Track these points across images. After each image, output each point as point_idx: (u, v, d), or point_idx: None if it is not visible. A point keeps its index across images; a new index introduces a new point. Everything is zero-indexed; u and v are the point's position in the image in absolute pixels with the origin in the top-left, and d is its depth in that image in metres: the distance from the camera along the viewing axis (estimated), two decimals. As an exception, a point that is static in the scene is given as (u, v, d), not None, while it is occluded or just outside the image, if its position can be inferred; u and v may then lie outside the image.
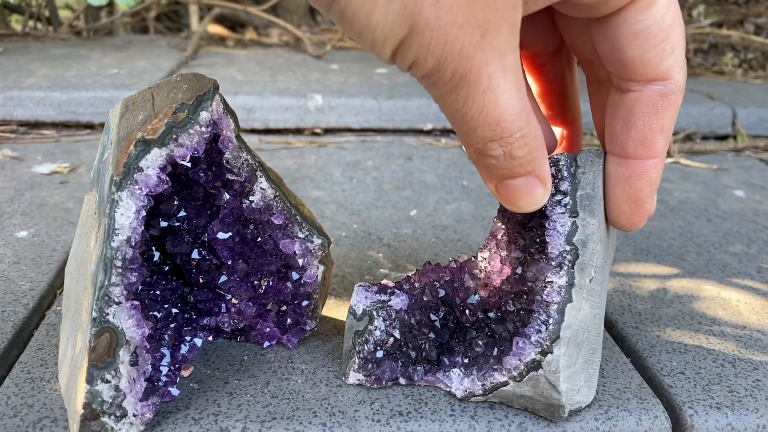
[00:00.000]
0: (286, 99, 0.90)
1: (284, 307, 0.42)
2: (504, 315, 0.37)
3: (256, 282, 0.41)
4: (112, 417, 0.33)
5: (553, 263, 0.35)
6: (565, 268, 0.35)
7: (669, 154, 0.90)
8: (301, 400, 0.37)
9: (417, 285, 0.39)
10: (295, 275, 0.40)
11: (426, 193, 0.71)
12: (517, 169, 0.32)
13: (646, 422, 0.37)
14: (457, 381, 0.37)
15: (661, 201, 0.73)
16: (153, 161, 0.34)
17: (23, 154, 0.78)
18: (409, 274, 0.40)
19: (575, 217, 0.35)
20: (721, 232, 0.65)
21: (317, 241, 0.40)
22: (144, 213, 0.34)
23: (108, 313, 0.33)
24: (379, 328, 0.38)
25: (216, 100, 0.36)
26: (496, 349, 0.37)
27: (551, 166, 0.35)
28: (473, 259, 0.39)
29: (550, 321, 0.34)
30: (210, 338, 0.42)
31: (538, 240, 0.36)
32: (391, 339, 0.38)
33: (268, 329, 0.42)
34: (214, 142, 0.37)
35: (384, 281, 0.40)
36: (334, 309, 0.47)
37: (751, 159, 0.91)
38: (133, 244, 0.34)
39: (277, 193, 0.39)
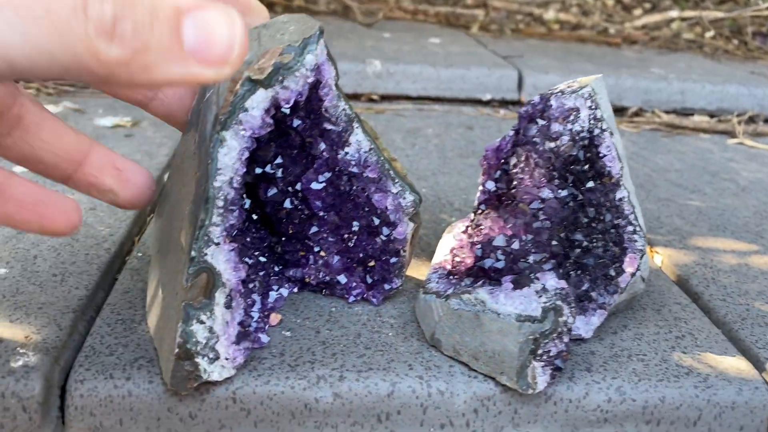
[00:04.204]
0: (344, 64, 0.89)
1: (372, 263, 0.41)
2: (576, 245, 0.38)
3: (346, 235, 0.40)
4: (206, 359, 0.32)
5: (614, 181, 0.37)
6: (622, 181, 0.37)
7: (734, 135, 0.88)
8: (395, 352, 0.37)
9: (516, 246, 0.38)
10: (385, 231, 0.40)
11: (491, 161, 0.70)
12: None
13: (746, 393, 0.36)
14: (584, 325, 0.38)
15: (730, 180, 0.71)
16: (258, 102, 0.33)
17: (84, 107, 0.78)
18: (457, 246, 0.41)
19: (612, 135, 0.37)
20: (796, 212, 0.63)
21: (409, 197, 0.39)
22: (247, 154, 0.34)
23: (206, 254, 0.33)
24: (568, 316, 0.34)
25: (321, 44, 0.35)
26: (600, 279, 0.38)
27: (587, 99, 0.37)
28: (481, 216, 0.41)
29: (637, 228, 0.37)
30: (295, 290, 0.42)
31: (587, 168, 0.38)
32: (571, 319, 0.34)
33: (354, 284, 0.41)
34: (314, 89, 0.37)
35: (442, 266, 0.41)
36: (414, 269, 0.46)
37: (817, 143, 0.89)
38: (235, 185, 0.34)
39: (372, 146, 0.39)
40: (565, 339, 0.34)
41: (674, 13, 1.35)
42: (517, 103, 0.92)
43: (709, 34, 1.33)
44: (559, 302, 0.34)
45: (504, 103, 0.92)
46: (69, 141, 0.34)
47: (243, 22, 0.24)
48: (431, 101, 0.90)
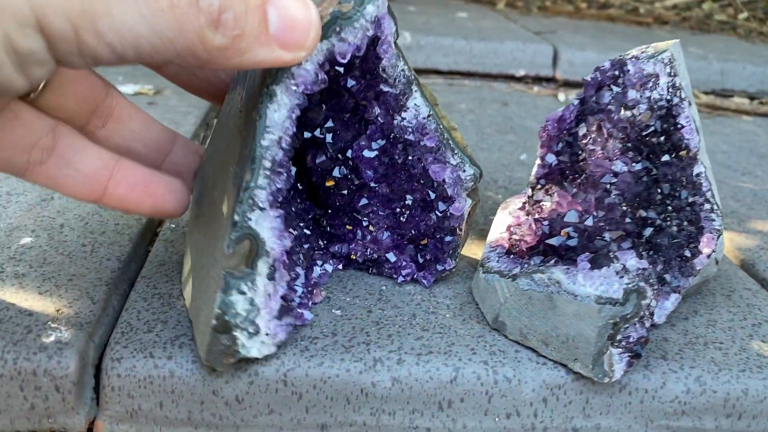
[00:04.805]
0: (372, 35, 0.85)
1: (425, 241, 0.38)
2: (649, 224, 0.35)
3: (398, 209, 0.37)
4: (245, 333, 0.29)
5: (692, 155, 0.35)
6: (699, 156, 0.35)
7: (778, 117, 0.84)
8: (455, 335, 0.34)
9: (588, 223, 0.35)
10: (441, 206, 0.37)
11: (531, 138, 0.66)
12: None
13: (836, 387, 0.33)
14: (657, 309, 0.36)
15: (781, 162, 0.68)
16: (313, 55, 0.30)
17: (103, 73, 0.74)
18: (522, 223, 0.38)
19: (690, 105, 0.35)
20: None
21: (470, 170, 0.36)
22: (298, 113, 0.31)
23: (250, 219, 0.29)
24: (651, 299, 0.31)
25: (382, -5, 0.32)
26: (674, 261, 0.36)
27: (666, 65, 0.34)
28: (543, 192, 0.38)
29: (714, 207, 0.35)
30: (340, 267, 0.39)
31: (663, 139, 0.35)
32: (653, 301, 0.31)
33: (403, 263, 0.38)
34: (372, 46, 0.33)
35: (500, 244, 0.38)
36: (465, 247, 0.43)
37: None
38: (284, 146, 0.30)
39: (431, 113, 0.35)
40: (647, 324, 0.31)
41: (706, -7, 1.30)
42: (551, 80, 0.88)
43: (743, 15, 1.29)
44: (642, 284, 0.31)
45: (537, 80, 0.88)
46: (157, 132, 0.34)
47: (316, 8, 0.26)
48: (461, 76, 0.87)
